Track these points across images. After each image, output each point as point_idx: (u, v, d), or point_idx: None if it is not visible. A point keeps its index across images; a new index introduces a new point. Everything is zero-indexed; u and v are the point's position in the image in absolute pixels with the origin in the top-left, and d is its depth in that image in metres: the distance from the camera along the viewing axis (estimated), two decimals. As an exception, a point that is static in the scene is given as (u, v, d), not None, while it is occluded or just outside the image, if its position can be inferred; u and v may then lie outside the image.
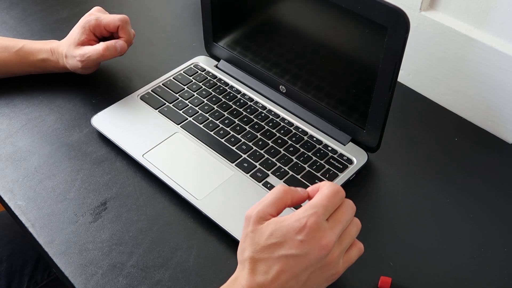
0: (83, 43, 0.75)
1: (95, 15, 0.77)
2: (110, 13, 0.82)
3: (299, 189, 0.54)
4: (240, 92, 0.78)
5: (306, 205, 0.51)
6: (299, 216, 0.50)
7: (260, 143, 0.71)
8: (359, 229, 0.54)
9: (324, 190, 0.51)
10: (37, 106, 0.77)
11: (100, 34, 0.77)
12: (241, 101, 0.77)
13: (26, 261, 0.82)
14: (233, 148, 0.70)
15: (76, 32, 0.76)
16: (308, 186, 0.65)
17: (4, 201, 0.66)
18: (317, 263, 0.50)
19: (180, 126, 0.73)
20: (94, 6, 0.80)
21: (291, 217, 0.50)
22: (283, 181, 0.66)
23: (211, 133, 0.72)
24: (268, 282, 0.49)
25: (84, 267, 0.59)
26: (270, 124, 0.74)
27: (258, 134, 0.72)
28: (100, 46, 0.74)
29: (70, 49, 0.75)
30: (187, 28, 0.93)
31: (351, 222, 0.53)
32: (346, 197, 0.54)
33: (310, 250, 0.49)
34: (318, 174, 0.67)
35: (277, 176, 0.67)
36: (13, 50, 0.77)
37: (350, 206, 0.53)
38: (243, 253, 0.51)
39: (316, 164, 0.68)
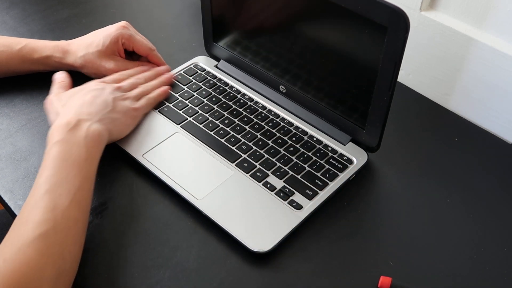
0: (111, 52, 0.77)
1: (130, 31, 0.78)
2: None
3: None
4: (240, 92, 0.78)
5: None
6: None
7: (260, 143, 0.71)
8: (150, 77, 0.77)
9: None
10: (37, 106, 0.77)
11: (125, 49, 0.79)
12: (241, 101, 0.77)
13: None
14: (233, 148, 0.70)
15: (105, 39, 0.76)
16: (309, 186, 0.65)
17: (4, 201, 0.66)
18: (92, 89, 0.69)
19: (180, 126, 0.73)
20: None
21: None
22: (283, 181, 0.66)
23: (211, 133, 0.72)
24: (61, 109, 0.66)
25: (84, 267, 0.59)
26: (270, 124, 0.74)
27: (258, 134, 0.72)
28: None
29: (99, 55, 0.76)
30: (187, 28, 0.93)
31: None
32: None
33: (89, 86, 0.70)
34: (318, 174, 0.67)
35: (277, 176, 0.67)
36: (16, 48, 0.77)
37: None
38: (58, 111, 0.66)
39: (316, 164, 0.68)
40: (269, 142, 0.71)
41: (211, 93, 0.78)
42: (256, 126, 0.73)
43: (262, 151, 0.70)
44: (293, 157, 0.69)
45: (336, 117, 0.71)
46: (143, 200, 0.65)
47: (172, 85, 0.78)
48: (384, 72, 0.61)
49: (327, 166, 0.68)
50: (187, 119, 0.74)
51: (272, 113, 0.75)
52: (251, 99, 0.77)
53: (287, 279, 0.58)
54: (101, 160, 0.70)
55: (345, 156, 0.69)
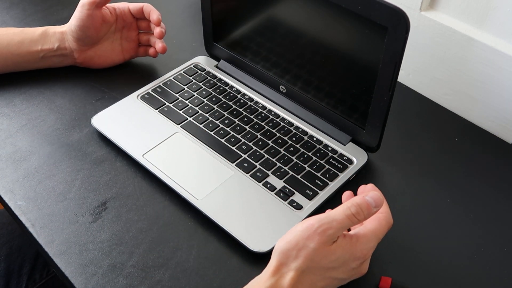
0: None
1: None
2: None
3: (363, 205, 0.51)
4: (240, 92, 0.78)
5: (372, 234, 0.53)
6: (367, 246, 0.52)
7: (260, 143, 0.71)
8: None
9: (382, 221, 0.54)
10: (37, 106, 0.77)
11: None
12: (241, 101, 0.77)
13: (24, 260, 0.82)
14: (233, 148, 0.70)
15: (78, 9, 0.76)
16: (310, 186, 0.65)
17: (4, 201, 0.66)
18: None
19: (180, 126, 0.73)
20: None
21: (359, 245, 0.52)
22: (283, 181, 0.66)
23: (211, 133, 0.72)
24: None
25: (84, 267, 0.59)
26: (270, 124, 0.74)
27: (258, 134, 0.72)
28: None
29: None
30: (187, 28, 0.93)
31: None
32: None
33: (354, 276, 0.55)
34: (318, 174, 0.67)
35: (277, 176, 0.67)
36: (12, 31, 0.77)
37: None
38: (294, 260, 0.50)
39: (316, 164, 0.68)
40: (269, 142, 0.71)
41: (211, 93, 0.78)
42: (256, 126, 0.73)
43: (262, 151, 0.70)
44: (293, 157, 0.69)
45: (336, 117, 0.71)
46: (143, 200, 0.65)
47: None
48: (384, 72, 0.61)
49: (327, 166, 0.68)
50: (187, 119, 0.74)
51: (272, 113, 0.75)
52: (251, 99, 0.77)
53: (287, 279, 0.58)
54: (101, 160, 0.70)
55: (345, 156, 0.69)
